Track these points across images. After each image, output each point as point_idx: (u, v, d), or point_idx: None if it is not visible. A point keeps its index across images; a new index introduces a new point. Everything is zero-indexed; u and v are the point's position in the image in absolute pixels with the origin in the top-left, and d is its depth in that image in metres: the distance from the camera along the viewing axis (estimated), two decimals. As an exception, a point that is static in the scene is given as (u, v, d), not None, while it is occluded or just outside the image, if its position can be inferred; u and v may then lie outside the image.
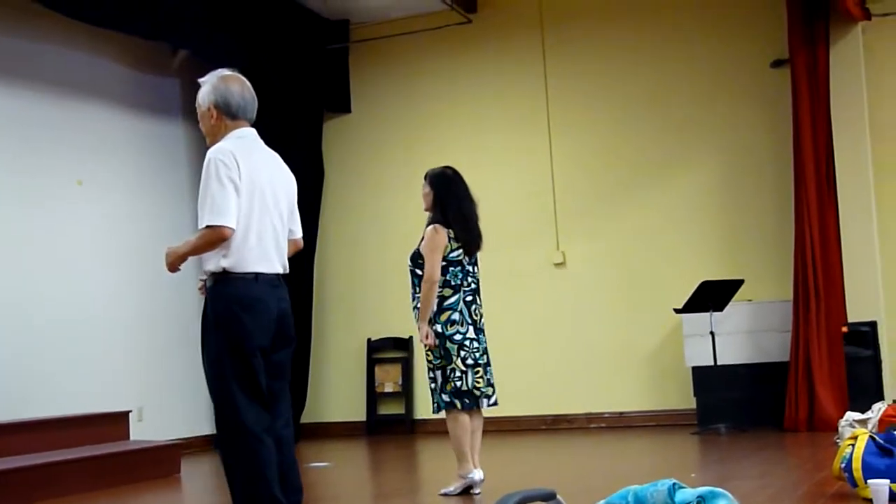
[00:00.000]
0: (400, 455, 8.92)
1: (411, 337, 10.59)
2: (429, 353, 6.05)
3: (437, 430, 10.39)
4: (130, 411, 8.44)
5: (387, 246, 10.69)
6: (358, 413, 10.90)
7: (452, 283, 6.03)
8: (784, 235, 9.31)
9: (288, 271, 4.33)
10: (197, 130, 10.90)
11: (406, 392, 10.68)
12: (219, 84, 4.29)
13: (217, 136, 4.27)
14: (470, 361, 6.02)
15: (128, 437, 8.23)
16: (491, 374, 6.18)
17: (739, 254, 9.65)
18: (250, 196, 4.10)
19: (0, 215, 8.32)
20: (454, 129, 10.79)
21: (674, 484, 2.88)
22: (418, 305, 6.04)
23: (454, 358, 5.98)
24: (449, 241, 6.02)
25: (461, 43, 10.78)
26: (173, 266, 4.22)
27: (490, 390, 6.12)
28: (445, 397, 6.02)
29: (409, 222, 10.30)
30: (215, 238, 4.03)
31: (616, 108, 10.21)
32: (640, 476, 6.55)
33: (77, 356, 8.81)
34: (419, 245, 6.10)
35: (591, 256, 10.20)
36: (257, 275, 4.12)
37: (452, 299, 6.02)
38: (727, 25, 9.87)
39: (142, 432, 8.75)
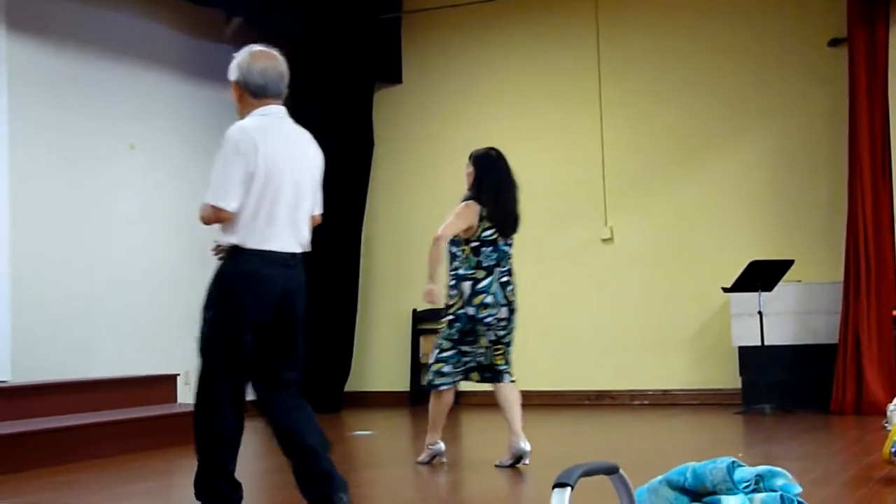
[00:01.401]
0: (443, 426, 8.93)
1: (457, 309, 10.60)
2: (442, 331, 6.11)
3: (481, 402, 10.41)
4: (178, 374, 8.53)
5: (435, 217, 10.49)
6: (402, 383, 10.96)
7: (485, 264, 6.04)
8: (835, 217, 9.22)
9: (308, 249, 4.36)
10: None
11: (450, 363, 10.71)
12: (243, 61, 4.31)
13: (243, 112, 4.33)
14: (493, 338, 6.07)
15: (175, 399, 8.33)
16: (510, 353, 6.22)
17: (789, 234, 9.57)
18: (265, 175, 4.15)
19: (53, 177, 8.42)
20: (506, 102, 10.75)
21: (733, 462, 2.88)
22: (450, 283, 6.09)
23: (480, 339, 6.06)
24: (481, 221, 6.03)
25: (515, 15, 10.72)
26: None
27: (509, 367, 6.17)
28: (434, 377, 6.11)
29: (458, 195, 10.27)
30: (213, 216, 4.17)
31: (668, 85, 10.13)
32: (686, 453, 6.53)
33: (126, 318, 8.92)
34: None
35: (639, 233, 10.15)
36: (267, 252, 4.17)
37: (485, 282, 6.02)
38: (784, 2, 9.74)
39: (188, 396, 8.83)
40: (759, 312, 8.82)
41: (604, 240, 10.27)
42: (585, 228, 10.32)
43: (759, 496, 2.80)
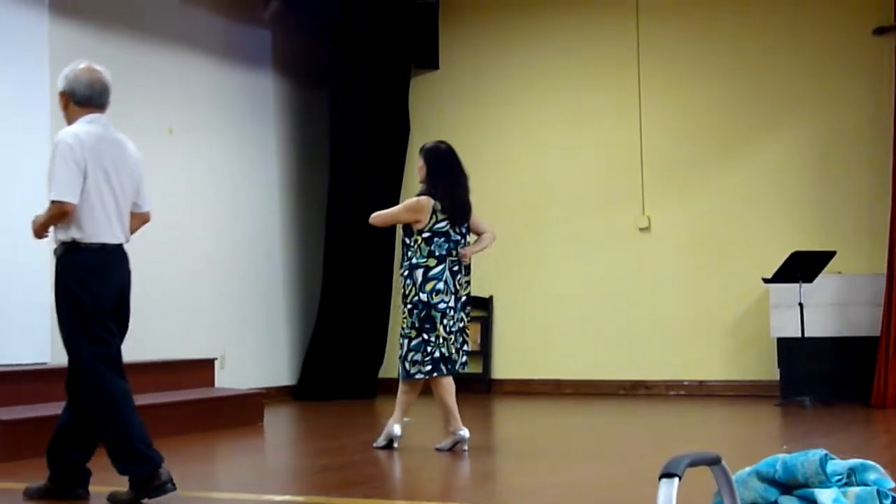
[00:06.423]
0: (476, 414, 8.89)
1: (491, 297, 10.57)
2: (403, 321, 6.24)
3: (515, 389, 10.40)
4: (216, 359, 8.53)
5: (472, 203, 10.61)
6: (435, 370, 10.90)
7: (437, 253, 6.23)
8: (878, 208, 9.12)
9: (129, 241, 4.82)
10: (286, 82, 10.89)
11: (484, 351, 10.66)
12: (70, 73, 4.70)
13: (70, 119, 4.70)
14: (448, 328, 6.18)
15: (213, 384, 8.33)
16: (462, 342, 6.31)
17: (830, 225, 9.46)
18: (94, 175, 4.56)
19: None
20: (543, 88, 10.66)
21: (825, 455, 2.83)
22: (403, 273, 6.26)
23: (437, 326, 6.16)
24: (434, 213, 6.26)
25: (553, 0, 10.65)
26: (38, 234, 4.69)
27: (458, 355, 6.26)
28: (410, 366, 6.18)
29: (494, 181, 10.25)
30: (59, 212, 4.52)
31: (708, 74, 10.03)
32: (732, 445, 6.49)
33: (164, 302, 8.92)
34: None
35: (677, 222, 10.07)
36: (103, 245, 4.61)
37: (437, 269, 6.20)
38: (828, -10, 9.63)
39: (223, 380, 8.84)
40: (800, 304, 8.73)
41: (641, 228, 10.19)
42: (623, 217, 10.24)
43: (853, 490, 2.76)
